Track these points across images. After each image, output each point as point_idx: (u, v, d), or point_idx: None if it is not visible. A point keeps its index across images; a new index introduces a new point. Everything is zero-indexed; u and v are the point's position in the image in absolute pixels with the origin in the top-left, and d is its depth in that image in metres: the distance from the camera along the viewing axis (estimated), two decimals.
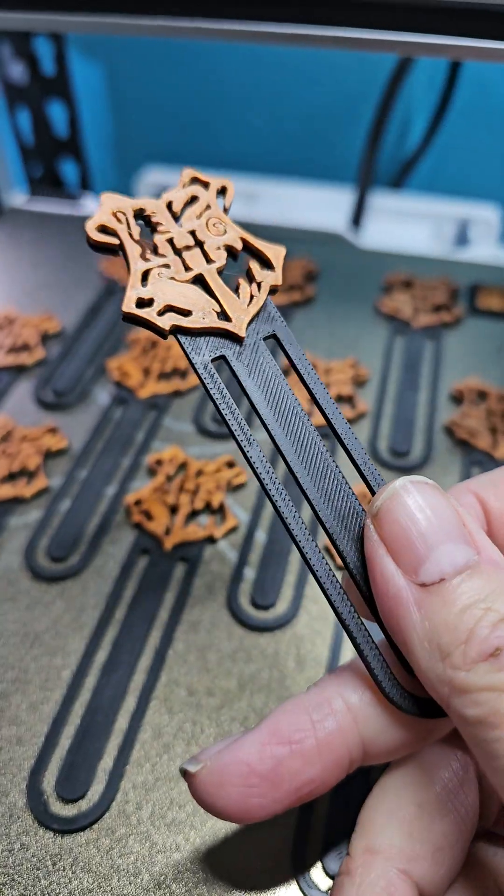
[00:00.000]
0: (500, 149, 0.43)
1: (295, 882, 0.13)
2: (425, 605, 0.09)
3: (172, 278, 0.11)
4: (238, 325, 0.11)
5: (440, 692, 0.09)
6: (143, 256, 0.11)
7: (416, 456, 0.22)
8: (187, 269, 0.11)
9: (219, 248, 0.12)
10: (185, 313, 0.11)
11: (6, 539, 0.20)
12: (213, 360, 0.11)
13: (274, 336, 0.12)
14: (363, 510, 0.11)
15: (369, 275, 0.30)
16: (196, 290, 0.11)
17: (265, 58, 0.42)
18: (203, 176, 0.12)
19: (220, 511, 0.20)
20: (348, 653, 0.17)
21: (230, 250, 0.12)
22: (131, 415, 0.23)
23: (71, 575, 0.19)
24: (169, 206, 0.12)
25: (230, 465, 0.21)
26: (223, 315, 0.11)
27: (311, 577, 0.18)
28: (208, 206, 0.12)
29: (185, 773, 0.11)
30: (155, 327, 0.11)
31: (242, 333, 0.11)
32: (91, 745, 0.15)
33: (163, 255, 0.11)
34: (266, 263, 0.12)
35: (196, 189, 0.12)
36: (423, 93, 0.42)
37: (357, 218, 0.35)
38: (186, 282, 0.11)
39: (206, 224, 0.12)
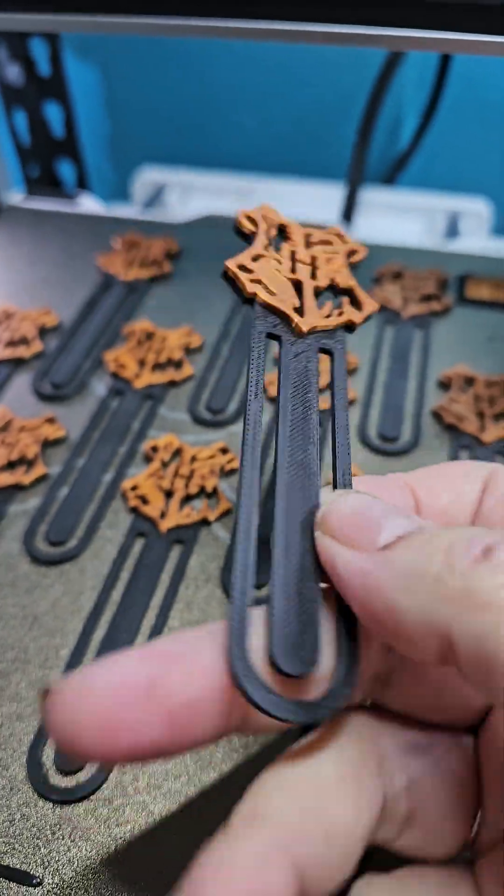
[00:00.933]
0: (491, 144, 0.43)
1: None
2: (395, 558, 0.09)
3: (278, 270, 0.13)
4: (305, 322, 0.12)
5: (438, 624, 0.08)
6: (265, 248, 0.13)
7: (405, 441, 0.23)
8: (292, 271, 0.13)
9: (326, 277, 0.13)
10: (270, 293, 0.13)
11: (6, 525, 0.20)
12: (269, 336, 0.12)
13: (329, 352, 0.13)
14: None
15: (360, 266, 0.30)
16: (289, 284, 0.13)
17: (258, 58, 0.43)
18: (343, 234, 0.14)
19: (214, 495, 0.20)
20: None
21: (334, 283, 0.13)
22: (128, 405, 0.24)
23: (69, 558, 0.19)
24: (307, 236, 0.14)
25: (224, 451, 0.22)
26: (298, 311, 0.13)
27: None
28: (336, 253, 0.14)
29: (45, 693, 0.08)
30: (242, 288, 0.12)
31: (305, 329, 0.12)
32: None
33: (281, 257, 0.13)
34: (357, 306, 0.13)
35: (333, 238, 0.14)
36: (413, 90, 0.42)
37: (348, 213, 0.36)
38: (286, 278, 0.13)
39: (327, 260, 0.14)
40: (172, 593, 0.18)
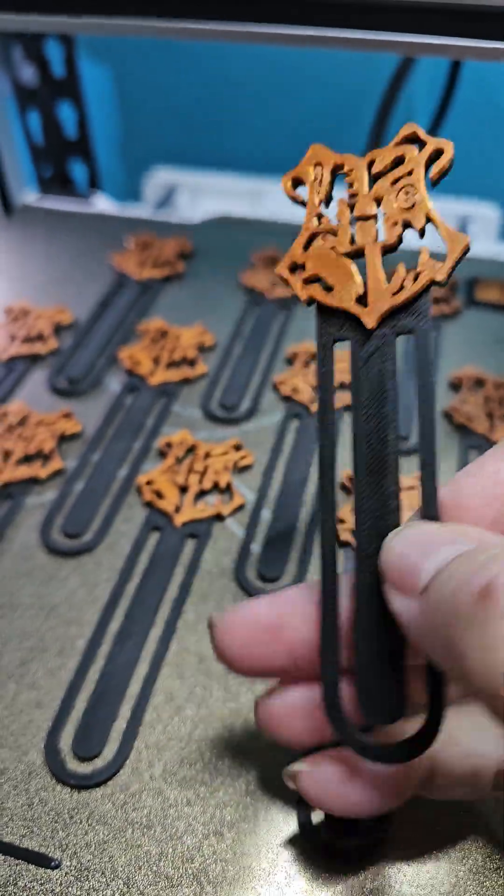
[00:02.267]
0: (500, 149, 0.44)
1: (299, 829, 0.14)
2: (428, 600, 0.09)
3: (333, 248, 0.11)
4: (371, 314, 0.10)
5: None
6: (317, 218, 0.11)
7: (415, 440, 0.23)
8: (353, 241, 0.11)
9: (396, 224, 0.11)
10: (329, 288, 0.11)
11: (23, 517, 0.20)
12: (335, 342, 0.11)
13: (412, 332, 0.10)
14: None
15: None
16: (348, 266, 0.11)
17: (270, 60, 0.43)
18: (423, 134, 0.11)
19: (228, 490, 0.21)
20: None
21: (408, 224, 0.11)
22: (142, 401, 0.24)
23: (85, 551, 0.19)
24: (370, 164, 0.11)
25: (237, 447, 0.22)
26: (363, 299, 0.11)
27: (315, 551, 0.19)
28: (410, 172, 0.11)
29: (208, 625, 0.12)
30: (298, 294, 0.11)
31: (372, 324, 0.11)
32: (105, 708, 0.16)
33: (337, 221, 0.11)
34: (433, 256, 0.11)
35: (407, 149, 0.11)
36: (424, 94, 0.42)
37: None
38: (345, 254, 0.11)
39: (398, 193, 0.11)
40: (187, 586, 0.19)
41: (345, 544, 0.19)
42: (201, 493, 0.21)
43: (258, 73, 0.44)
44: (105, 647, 0.17)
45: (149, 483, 0.21)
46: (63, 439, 0.23)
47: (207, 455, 0.22)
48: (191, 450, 0.22)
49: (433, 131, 0.41)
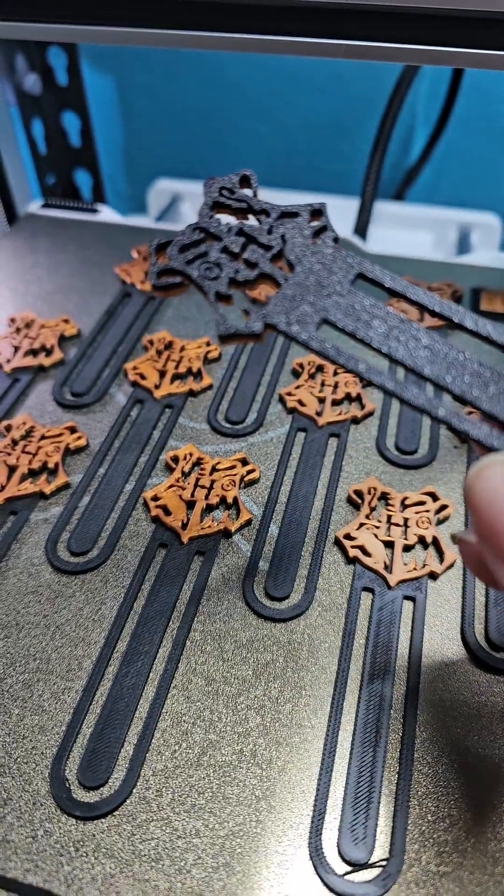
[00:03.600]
0: (501, 159, 0.44)
1: (312, 867, 0.14)
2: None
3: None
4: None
5: None
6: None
7: (422, 454, 0.23)
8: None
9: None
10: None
11: (28, 533, 0.20)
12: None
13: (360, 276, 0.13)
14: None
15: (373, 282, 0.30)
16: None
17: (272, 70, 0.43)
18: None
19: (235, 506, 0.20)
20: (358, 640, 0.17)
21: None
22: (148, 414, 0.24)
23: (91, 568, 0.19)
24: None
25: (243, 461, 0.22)
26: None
27: (322, 569, 0.19)
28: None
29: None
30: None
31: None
32: (112, 734, 0.16)
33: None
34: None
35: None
36: (425, 104, 0.43)
37: (362, 229, 0.36)
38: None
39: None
40: (194, 604, 0.18)
41: (352, 560, 0.19)
42: (208, 509, 0.20)
43: (261, 83, 0.44)
44: (112, 669, 0.17)
45: (154, 498, 0.20)
46: (68, 453, 0.22)
47: (214, 469, 0.21)
48: (197, 463, 0.22)
49: (434, 141, 0.41)
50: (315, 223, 0.13)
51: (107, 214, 0.36)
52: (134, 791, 0.15)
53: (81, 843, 0.14)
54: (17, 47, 0.36)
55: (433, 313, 0.12)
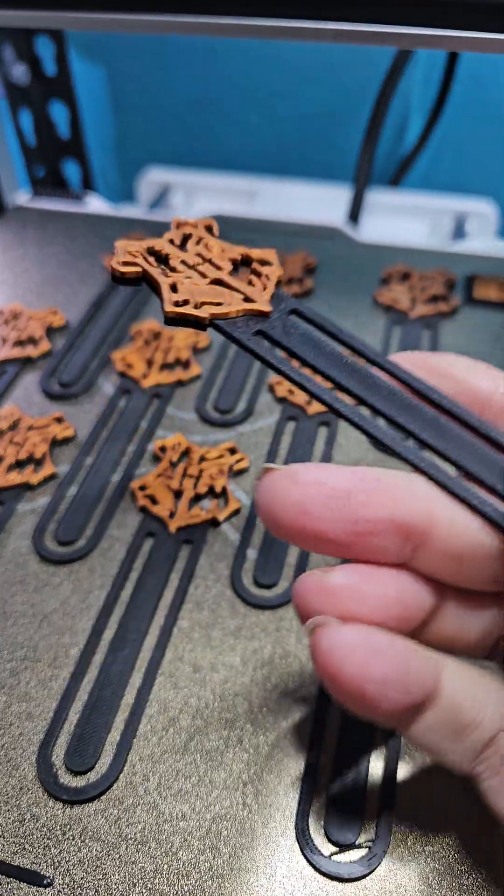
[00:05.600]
0: (497, 145, 0.43)
1: (299, 849, 0.14)
2: None
3: (196, 284, 0.13)
4: (263, 303, 0.13)
5: None
6: (165, 275, 0.13)
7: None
8: (204, 276, 0.13)
9: (223, 260, 0.14)
10: (217, 304, 0.13)
11: (15, 524, 0.20)
12: (253, 335, 0.13)
13: (295, 311, 0.13)
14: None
15: (368, 267, 0.30)
16: (219, 288, 0.13)
17: (264, 58, 0.43)
18: (188, 220, 0.14)
19: (223, 495, 0.20)
20: None
21: (233, 260, 0.14)
22: (135, 404, 0.24)
23: (78, 558, 0.19)
24: (171, 241, 0.14)
25: (232, 451, 0.22)
26: (248, 299, 0.13)
27: (311, 557, 0.19)
28: (201, 238, 0.14)
29: (263, 471, 0.10)
30: (196, 318, 0.12)
31: (268, 308, 0.13)
32: (99, 720, 0.16)
33: (181, 272, 0.13)
34: (264, 263, 0.14)
35: (187, 229, 0.14)
36: (420, 90, 0.42)
37: (355, 214, 0.36)
38: (209, 284, 0.13)
39: (206, 246, 0.14)
40: (182, 593, 0.18)
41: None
42: (196, 498, 0.20)
43: (252, 70, 0.43)
44: (99, 657, 0.17)
45: (142, 488, 0.20)
46: (55, 443, 0.22)
47: (202, 459, 0.21)
48: (185, 453, 0.22)
49: (429, 127, 0.40)
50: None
51: (96, 205, 0.36)
52: (121, 776, 0.15)
53: (68, 826, 0.14)
54: (4, 37, 0.36)
55: (364, 356, 0.13)
